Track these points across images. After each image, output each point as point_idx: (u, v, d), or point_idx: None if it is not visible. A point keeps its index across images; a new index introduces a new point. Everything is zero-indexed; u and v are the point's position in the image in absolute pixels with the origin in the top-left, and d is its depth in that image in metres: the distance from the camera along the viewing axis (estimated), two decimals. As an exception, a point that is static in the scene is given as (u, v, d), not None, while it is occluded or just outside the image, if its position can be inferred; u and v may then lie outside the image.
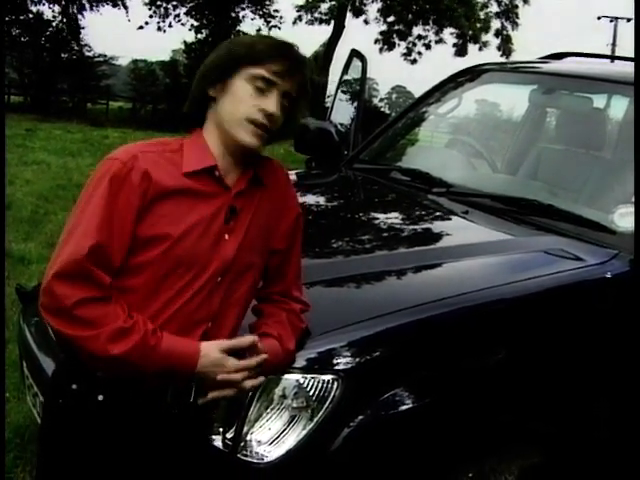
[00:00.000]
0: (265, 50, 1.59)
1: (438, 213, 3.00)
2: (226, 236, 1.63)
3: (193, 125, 1.69)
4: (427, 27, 25.18)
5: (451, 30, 24.75)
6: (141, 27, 25.47)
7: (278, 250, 1.75)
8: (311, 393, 1.81)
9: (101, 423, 1.60)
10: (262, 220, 1.70)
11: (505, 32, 25.11)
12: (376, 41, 25.56)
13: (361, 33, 24.46)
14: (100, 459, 1.62)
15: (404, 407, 1.86)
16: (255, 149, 1.62)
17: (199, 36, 25.77)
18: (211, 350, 1.57)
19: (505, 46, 25.09)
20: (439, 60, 26.86)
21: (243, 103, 1.58)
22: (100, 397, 1.59)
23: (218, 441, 1.84)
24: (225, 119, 1.61)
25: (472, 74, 3.83)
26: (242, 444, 1.82)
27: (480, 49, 24.82)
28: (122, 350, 1.49)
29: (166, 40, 27.28)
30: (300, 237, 1.81)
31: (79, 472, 1.64)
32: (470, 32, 24.12)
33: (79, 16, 24.47)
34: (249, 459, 1.82)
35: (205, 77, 1.63)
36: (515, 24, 25.00)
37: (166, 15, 25.69)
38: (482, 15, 24.43)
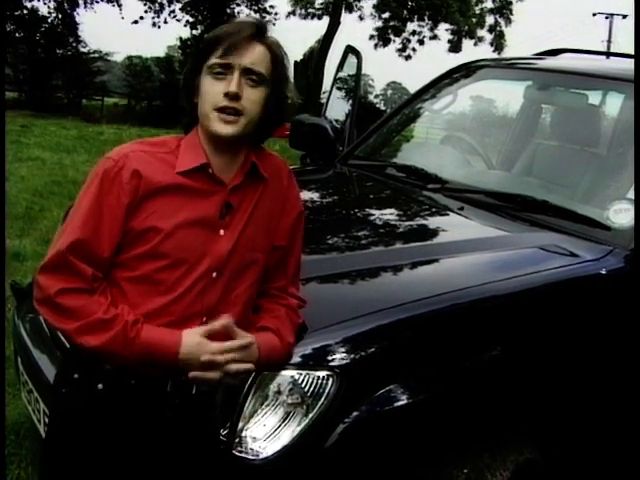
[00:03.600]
0: (211, 38, 1.61)
1: (433, 209, 2.99)
2: (221, 232, 1.63)
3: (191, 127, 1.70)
4: (422, 23, 25.20)
5: (446, 26, 24.79)
6: (136, 21, 25.44)
7: (279, 247, 1.75)
8: (306, 389, 1.81)
9: (102, 412, 1.62)
10: (263, 216, 1.70)
11: (499, 28, 25.15)
12: (371, 37, 25.57)
13: (357, 29, 24.48)
14: (101, 448, 1.62)
15: (399, 403, 1.86)
16: (233, 136, 1.60)
17: (194, 32, 25.76)
18: (192, 335, 1.58)
19: (497, 42, 25.12)
20: (435, 56, 26.86)
21: (208, 94, 1.59)
22: (100, 386, 1.61)
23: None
24: (200, 116, 1.63)
25: (467, 70, 3.82)
26: (237, 440, 1.82)
27: (475, 44, 24.88)
28: (100, 342, 1.53)
29: (161, 36, 27.29)
30: (301, 235, 1.82)
31: (82, 463, 1.64)
32: (466, 27, 24.14)
33: (74, 12, 24.44)
34: (244, 455, 1.82)
35: (184, 87, 1.66)
36: (508, 20, 25.03)
37: (161, 11, 25.69)
38: (477, 10, 24.47)
